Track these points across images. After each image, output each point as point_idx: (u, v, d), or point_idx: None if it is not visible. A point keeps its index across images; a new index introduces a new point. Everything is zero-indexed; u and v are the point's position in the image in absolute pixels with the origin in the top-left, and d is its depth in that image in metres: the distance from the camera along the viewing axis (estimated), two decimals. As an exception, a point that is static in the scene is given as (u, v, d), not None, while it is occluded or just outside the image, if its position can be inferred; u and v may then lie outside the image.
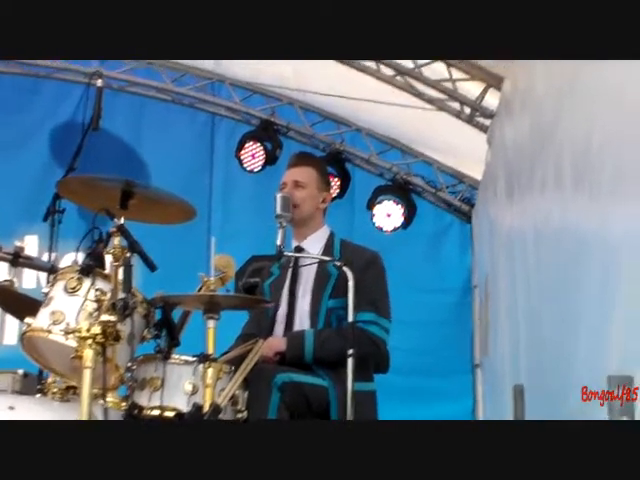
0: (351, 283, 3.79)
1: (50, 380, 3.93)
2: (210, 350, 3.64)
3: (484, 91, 6.38)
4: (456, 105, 6.66)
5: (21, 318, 3.77)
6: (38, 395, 4.00)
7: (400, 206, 7.44)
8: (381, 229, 7.43)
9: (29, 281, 6.93)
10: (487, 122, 6.51)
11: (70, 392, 3.79)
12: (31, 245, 6.41)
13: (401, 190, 7.56)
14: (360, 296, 3.90)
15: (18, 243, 4.22)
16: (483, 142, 6.54)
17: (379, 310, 4.15)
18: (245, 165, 7.54)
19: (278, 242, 3.87)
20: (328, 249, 4.25)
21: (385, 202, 7.46)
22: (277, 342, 4.10)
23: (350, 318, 3.76)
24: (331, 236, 4.31)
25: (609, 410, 2.68)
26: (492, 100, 6.29)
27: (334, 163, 7.56)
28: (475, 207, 7.60)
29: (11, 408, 3.56)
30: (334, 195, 7.37)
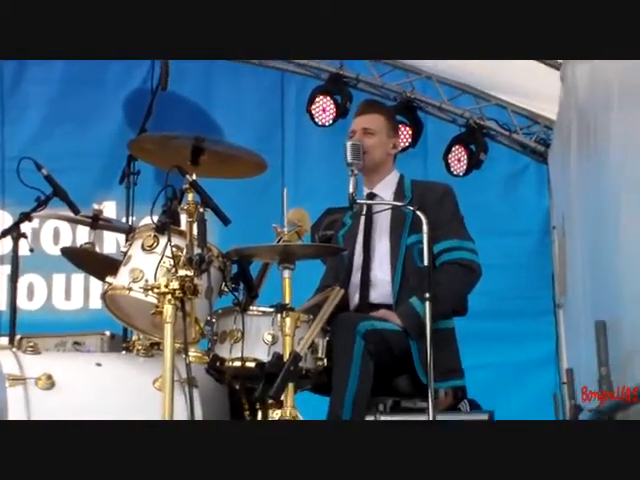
0: (425, 227, 3.79)
1: (134, 338, 4.03)
2: (287, 300, 3.68)
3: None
4: (526, 44, 6.51)
5: (103, 278, 3.86)
6: (124, 352, 4.11)
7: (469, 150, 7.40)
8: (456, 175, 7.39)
9: (109, 246, 7.06)
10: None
11: (154, 348, 3.89)
12: (109, 211, 6.51)
13: (473, 135, 7.47)
14: (440, 228, 3.99)
15: (96, 206, 4.31)
16: (557, 80, 6.40)
17: (460, 234, 4.14)
18: (316, 119, 7.51)
19: (350, 190, 3.87)
20: (400, 192, 4.23)
21: (455, 149, 7.43)
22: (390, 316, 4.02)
23: (426, 260, 3.76)
24: (401, 179, 4.29)
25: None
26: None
27: (405, 112, 7.48)
28: (551, 147, 7.46)
29: (98, 365, 3.67)
30: (407, 144, 7.36)
